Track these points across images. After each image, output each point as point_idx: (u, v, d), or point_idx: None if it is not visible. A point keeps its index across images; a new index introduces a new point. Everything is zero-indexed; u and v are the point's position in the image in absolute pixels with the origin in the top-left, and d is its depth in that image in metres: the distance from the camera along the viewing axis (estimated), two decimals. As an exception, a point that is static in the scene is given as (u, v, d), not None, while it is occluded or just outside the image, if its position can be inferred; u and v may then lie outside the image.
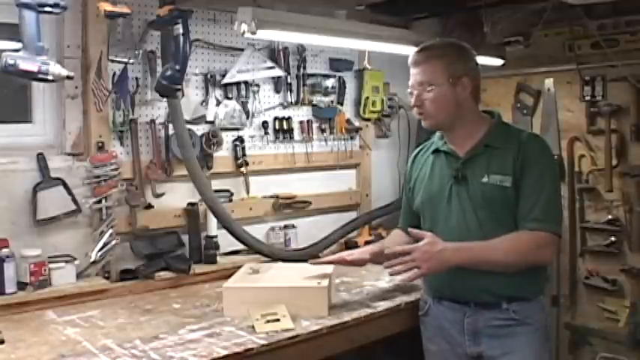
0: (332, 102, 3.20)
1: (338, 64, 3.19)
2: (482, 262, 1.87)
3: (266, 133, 2.94)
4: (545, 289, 2.05)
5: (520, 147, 1.92)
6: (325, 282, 2.11)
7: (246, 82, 2.84)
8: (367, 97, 3.30)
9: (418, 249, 1.87)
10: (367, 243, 3.11)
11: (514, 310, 1.91)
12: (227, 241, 2.70)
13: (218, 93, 2.78)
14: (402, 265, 1.87)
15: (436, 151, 2.08)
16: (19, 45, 1.84)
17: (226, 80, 2.77)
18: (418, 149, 2.22)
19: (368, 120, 3.38)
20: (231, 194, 2.84)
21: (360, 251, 2.33)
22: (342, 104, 3.24)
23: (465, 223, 1.94)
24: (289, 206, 3.03)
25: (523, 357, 1.92)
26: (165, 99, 2.48)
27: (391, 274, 1.92)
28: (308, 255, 2.83)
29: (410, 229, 2.01)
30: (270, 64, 2.90)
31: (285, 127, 3.00)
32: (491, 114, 2.07)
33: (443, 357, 2.06)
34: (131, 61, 2.46)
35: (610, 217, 3.04)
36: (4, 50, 1.84)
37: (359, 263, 2.27)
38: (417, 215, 2.15)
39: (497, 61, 3.02)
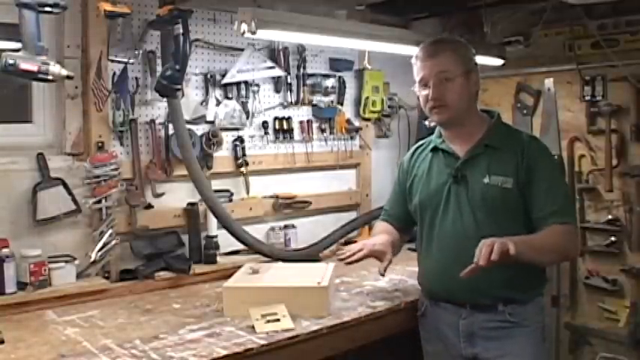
0: (332, 102, 3.20)
1: (338, 64, 3.19)
2: (534, 250, 1.78)
3: (266, 133, 2.94)
4: (543, 290, 2.04)
5: (523, 149, 1.91)
6: (325, 282, 2.11)
7: (246, 82, 2.84)
8: (367, 97, 3.29)
9: (485, 242, 1.71)
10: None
11: (510, 312, 1.91)
12: (227, 241, 2.70)
13: (218, 93, 2.78)
14: (490, 249, 1.67)
15: (434, 149, 2.07)
16: (19, 45, 1.84)
17: (226, 80, 2.77)
18: (417, 145, 2.20)
19: (368, 120, 3.38)
20: (231, 194, 2.84)
21: (382, 245, 2.10)
22: (342, 104, 3.24)
23: (461, 225, 1.93)
24: (289, 206, 3.03)
25: (518, 359, 1.91)
26: (165, 99, 2.48)
27: (493, 259, 1.67)
28: (308, 255, 2.83)
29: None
30: (270, 64, 2.90)
31: (285, 127, 3.00)
32: (489, 114, 2.07)
33: (439, 358, 2.06)
34: (131, 61, 2.46)
35: (610, 217, 3.04)
36: (4, 50, 1.84)
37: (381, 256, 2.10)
38: (408, 211, 2.14)
39: (498, 61, 3.01)
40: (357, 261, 2.10)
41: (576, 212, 1.97)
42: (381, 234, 2.21)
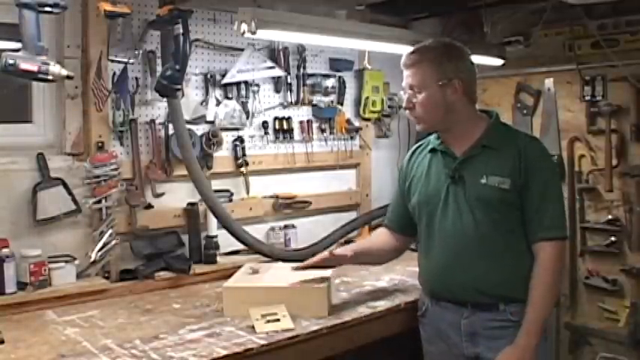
0: (332, 102, 3.20)
1: (338, 64, 3.19)
2: (548, 310, 1.90)
3: (266, 133, 2.94)
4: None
5: (521, 151, 1.91)
6: (325, 282, 2.11)
7: (246, 82, 2.84)
8: (367, 97, 3.29)
9: None
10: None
11: (511, 311, 1.90)
12: (227, 241, 2.70)
13: (218, 93, 2.78)
14: None
15: (433, 150, 2.07)
16: (19, 45, 1.84)
17: (226, 80, 2.77)
18: (415, 147, 2.20)
19: (368, 120, 3.38)
20: (231, 194, 2.84)
21: (343, 248, 2.29)
22: (342, 104, 3.24)
23: (460, 224, 1.93)
24: (289, 206, 3.03)
25: None
26: (165, 99, 2.48)
27: None
28: (308, 255, 2.82)
29: None
30: (270, 64, 2.90)
31: (285, 127, 3.00)
32: (488, 114, 2.06)
33: (441, 358, 2.06)
34: (131, 61, 2.46)
35: (610, 217, 3.04)
36: (4, 50, 1.84)
37: (340, 260, 2.20)
38: (409, 215, 2.13)
39: (498, 61, 3.01)
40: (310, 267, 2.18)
41: (567, 221, 1.98)
42: (351, 244, 2.47)
